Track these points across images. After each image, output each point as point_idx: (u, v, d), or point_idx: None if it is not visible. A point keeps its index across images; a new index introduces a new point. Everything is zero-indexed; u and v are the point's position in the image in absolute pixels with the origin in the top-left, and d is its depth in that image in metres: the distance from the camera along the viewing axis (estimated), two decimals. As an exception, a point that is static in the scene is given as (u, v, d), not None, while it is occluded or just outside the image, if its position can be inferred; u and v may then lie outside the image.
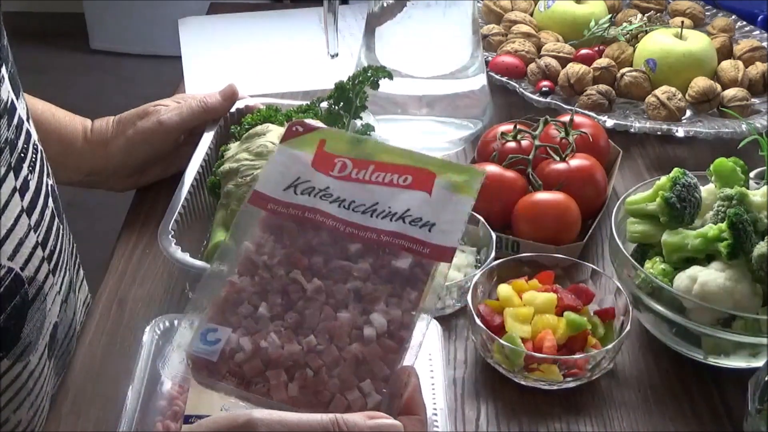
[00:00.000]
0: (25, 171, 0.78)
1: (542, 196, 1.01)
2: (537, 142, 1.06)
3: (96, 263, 1.05)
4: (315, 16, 1.50)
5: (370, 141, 0.71)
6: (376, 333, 0.62)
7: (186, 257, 0.87)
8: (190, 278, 0.90)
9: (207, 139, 1.05)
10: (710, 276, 0.83)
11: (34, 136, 0.82)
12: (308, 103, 1.07)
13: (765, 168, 0.95)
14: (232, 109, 1.10)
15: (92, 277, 1.01)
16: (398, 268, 0.64)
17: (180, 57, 1.41)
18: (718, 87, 1.24)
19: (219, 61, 1.41)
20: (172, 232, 0.90)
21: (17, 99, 0.80)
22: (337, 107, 1.05)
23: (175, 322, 0.80)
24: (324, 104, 1.06)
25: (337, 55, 1.20)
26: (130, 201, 1.11)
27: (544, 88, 1.25)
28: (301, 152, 0.68)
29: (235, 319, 0.63)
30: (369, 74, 1.05)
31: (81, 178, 1.08)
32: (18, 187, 0.76)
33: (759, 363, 0.82)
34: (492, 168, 1.03)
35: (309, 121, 0.71)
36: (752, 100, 1.24)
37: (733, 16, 1.43)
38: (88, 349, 0.89)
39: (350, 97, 1.04)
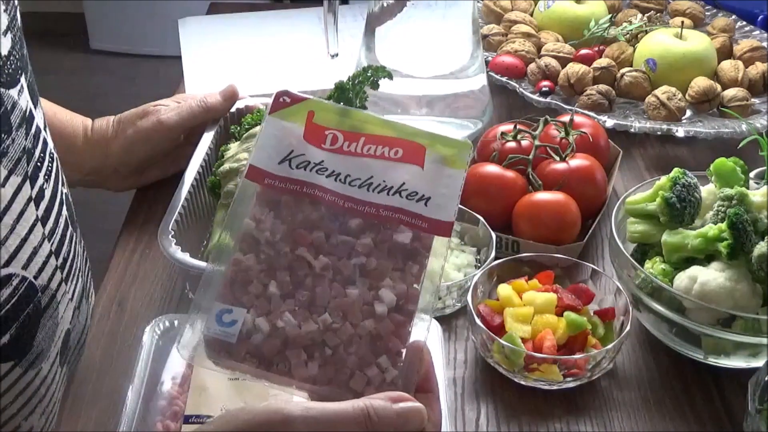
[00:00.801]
0: (41, 180, 0.78)
1: (542, 196, 1.01)
2: (537, 142, 1.06)
3: (96, 263, 1.04)
4: (315, 16, 1.50)
5: (357, 112, 0.70)
6: (386, 308, 0.62)
7: (186, 257, 0.87)
8: (190, 278, 0.90)
9: (207, 139, 1.05)
10: (710, 276, 0.83)
11: (50, 145, 0.82)
12: (308, 103, 1.07)
13: (765, 168, 0.95)
14: (232, 109, 1.10)
15: (92, 277, 1.01)
16: (400, 243, 0.64)
17: (180, 57, 1.41)
18: (718, 87, 1.24)
19: (219, 61, 1.41)
20: (172, 232, 0.90)
21: (35, 108, 0.79)
22: (337, 107, 1.05)
23: (175, 322, 0.80)
24: (324, 104, 1.06)
25: (337, 55, 1.20)
26: (130, 201, 1.11)
27: (544, 88, 1.25)
28: (291, 124, 0.67)
29: (247, 298, 0.62)
30: (369, 74, 1.05)
31: (81, 178, 1.08)
32: (33, 196, 0.76)
33: (759, 363, 0.82)
34: (492, 168, 1.04)
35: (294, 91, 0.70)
36: (752, 100, 1.24)
37: (733, 16, 1.43)
38: (88, 349, 0.89)
39: (350, 97, 1.04)
